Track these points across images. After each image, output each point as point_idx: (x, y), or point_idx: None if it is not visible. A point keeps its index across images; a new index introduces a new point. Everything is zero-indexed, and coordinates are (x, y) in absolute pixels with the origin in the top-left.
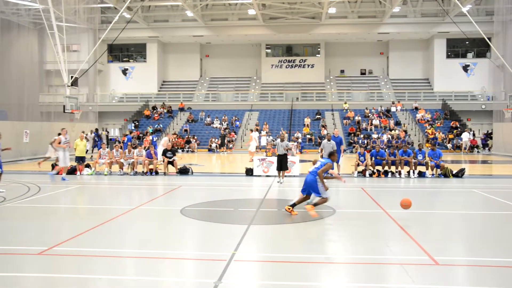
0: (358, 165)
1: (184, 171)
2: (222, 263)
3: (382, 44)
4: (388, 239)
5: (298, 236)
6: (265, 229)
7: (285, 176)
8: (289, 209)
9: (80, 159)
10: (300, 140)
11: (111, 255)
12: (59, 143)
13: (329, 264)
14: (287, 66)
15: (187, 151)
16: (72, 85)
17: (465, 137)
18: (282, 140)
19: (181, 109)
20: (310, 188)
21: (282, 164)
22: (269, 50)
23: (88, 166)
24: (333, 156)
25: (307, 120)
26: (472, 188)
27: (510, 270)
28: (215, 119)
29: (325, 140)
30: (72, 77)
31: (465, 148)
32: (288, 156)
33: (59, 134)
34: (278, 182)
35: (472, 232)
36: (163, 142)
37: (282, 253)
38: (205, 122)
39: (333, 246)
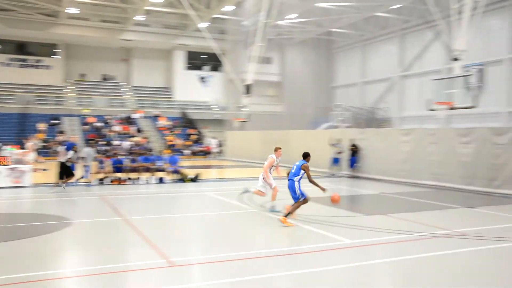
0: (97, 172)
1: None
2: None
3: (125, 50)
4: (126, 246)
5: (23, 253)
6: None
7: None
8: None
9: None
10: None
11: None
12: None
13: (59, 280)
14: (21, 66)
15: None
16: None
17: (214, 142)
18: None
19: None
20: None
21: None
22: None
23: None
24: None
25: (43, 126)
26: (206, 191)
27: (241, 262)
28: None
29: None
30: None
31: (215, 153)
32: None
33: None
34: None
35: (207, 232)
36: None
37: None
38: None
39: (68, 259)
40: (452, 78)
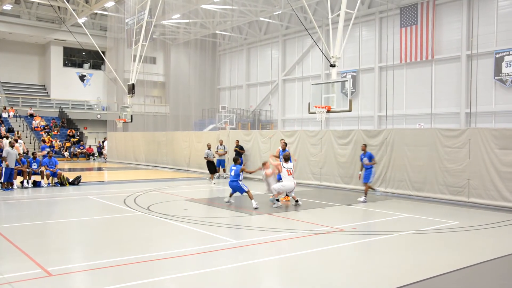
0: None
1: None
2: None
3: None
4: None
5: None
6: None
7: None
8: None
9: None
10: None
11: None
12: None
13: None
14: None
15: None
16: None
17: (107, 145)
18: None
19: None
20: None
21: None
22: None
23: None
24: None
25: None
26: (88, 194)
27: (125, 267)
28: None
29: None
30: None
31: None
32: None
33: None
34: None
35: (89, 237)
36: None
37: None
38: None
39: None
40: (329, 83)
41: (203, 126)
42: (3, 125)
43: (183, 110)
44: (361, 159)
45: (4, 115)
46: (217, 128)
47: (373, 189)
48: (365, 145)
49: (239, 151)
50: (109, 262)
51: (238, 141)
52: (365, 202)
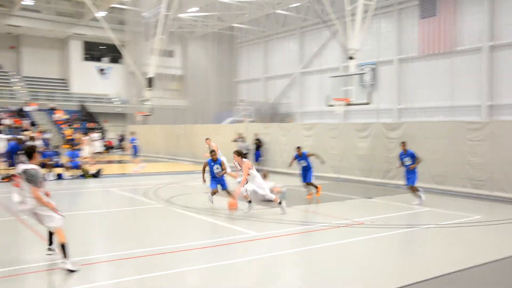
0: None
1: None
2: None
3: (13, 37)
4: (24, 247)
5: None
6: None
7: None
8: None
9: None
10: None
11: None
12: None
13: None
14: None
15: None
16: None
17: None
18: None
19: None
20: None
21: None
22: None
23: None
24: None
25: None
26: (109, 187)
27: (147, 258)
28: None
29: None
30: None
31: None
32: None
33: None
34: None
35: (111, 229)
36: None
37: None
38: None
39: None
40: (348, 75)
41: (222, 119)
42: (27, 118)
43: (201, 103)
44: (401, 159)
45: (27, 109)
46: (236, 121)
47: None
48: (404, 143)
49: (259, 144)
50: (131, 254)
51: (257, 134)
52: (421, 203)
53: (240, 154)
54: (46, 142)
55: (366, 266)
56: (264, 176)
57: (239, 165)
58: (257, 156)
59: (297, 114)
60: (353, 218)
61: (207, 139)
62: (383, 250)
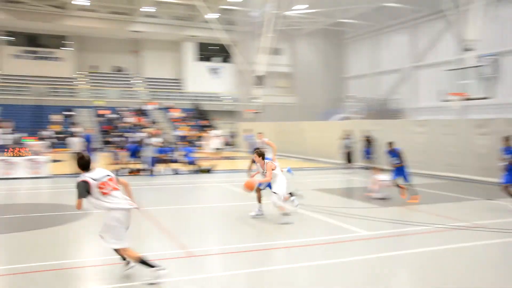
0: (113, 164)
1: None
2: None
3: (135, 42)
4: (143, 236)
5: (42, 242)
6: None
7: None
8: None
9: None
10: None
11: None
12: None
13: (75, 269)
14: (33, 58)
15: None
16: None
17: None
18: None
19: None
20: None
21: None
22: (11, 38)
23: None
24: None
25: (57, 117)
26: (220, 182)
27: (258, 253)
28: None
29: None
30: None
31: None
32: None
33: None
34: None
35: (223, 222)
36: None
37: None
38: None
39: (85, 248)
40: (465, 68)
41: (330, 115)
42: (146, 116)
43: (309, 100)
44: (506, 154)
45: (147, 108)
46: (344, 118)
47: None
48: (508, 138)
49: (369, 141)
50: (242, 247)
51: (367, 131)
52: None
53: (261, 154)
54: (163, 139)
55: (487, 273)
56: (375, 173)
57: (261, 166)
58: (367, 153)
59: (409, 110)
60: (473, 221)
61: (259, 133)
62: (507, 257)
